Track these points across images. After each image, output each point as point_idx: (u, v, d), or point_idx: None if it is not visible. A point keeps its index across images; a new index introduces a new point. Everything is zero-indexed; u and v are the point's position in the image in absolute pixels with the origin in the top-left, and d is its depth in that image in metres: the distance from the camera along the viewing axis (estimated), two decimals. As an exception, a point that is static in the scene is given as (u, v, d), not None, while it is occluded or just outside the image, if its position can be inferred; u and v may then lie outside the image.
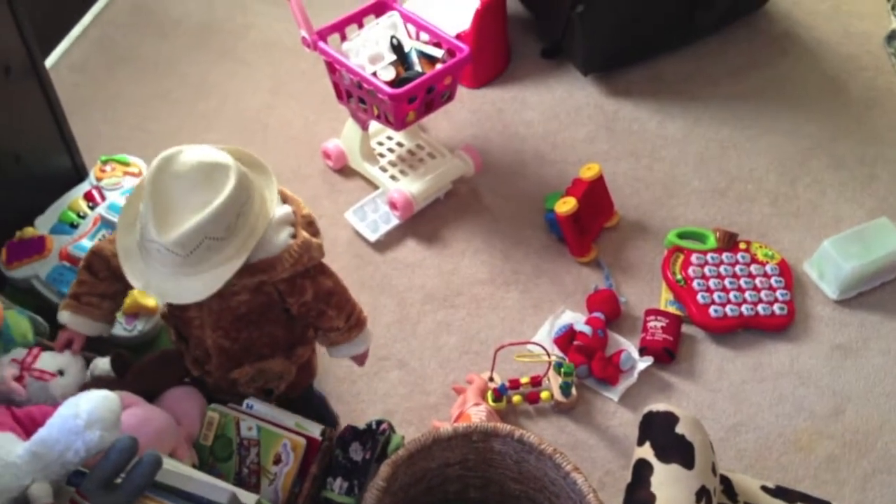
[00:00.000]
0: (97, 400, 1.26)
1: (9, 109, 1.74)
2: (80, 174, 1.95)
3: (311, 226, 1.46)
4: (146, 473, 1.25)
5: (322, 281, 1.46)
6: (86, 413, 1.23)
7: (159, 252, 1.30)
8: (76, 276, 1.51)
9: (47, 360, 1.50)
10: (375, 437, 1.56)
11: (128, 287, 1.50)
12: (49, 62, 2.41)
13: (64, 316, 1.51)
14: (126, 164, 1.93)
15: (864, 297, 1.99)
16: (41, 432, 1.24)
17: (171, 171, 1.29)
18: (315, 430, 1.52)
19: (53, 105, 1.84)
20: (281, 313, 1.50)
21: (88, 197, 1.87)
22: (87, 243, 1.76)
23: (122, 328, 1.70)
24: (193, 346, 1.53)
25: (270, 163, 2.27)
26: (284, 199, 1.46)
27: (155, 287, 1.35)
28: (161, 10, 2.66)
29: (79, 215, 1.84)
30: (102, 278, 1.49)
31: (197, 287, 1.33)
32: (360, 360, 1.62)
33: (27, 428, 1.32)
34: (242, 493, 1.35)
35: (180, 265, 1.31)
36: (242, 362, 1.52)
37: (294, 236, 1.40)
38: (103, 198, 1.86)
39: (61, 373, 1.48)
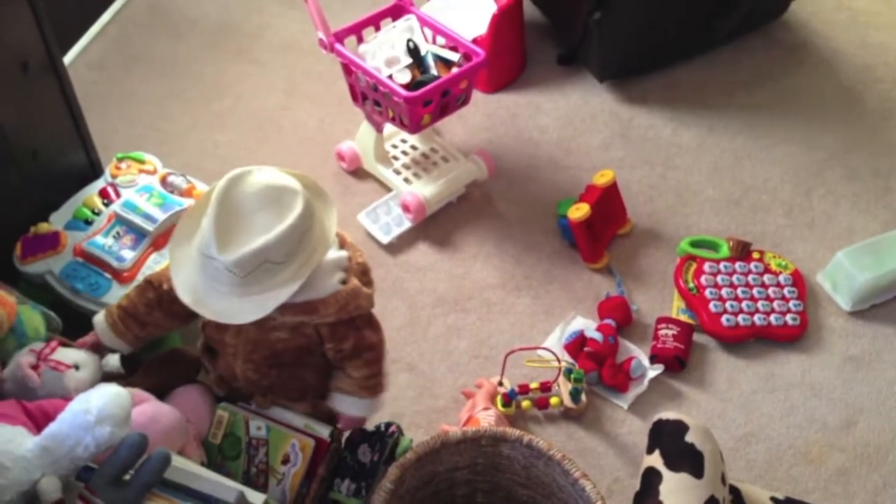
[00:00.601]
0: (108, 396, 1.26)
1: (27, 105, 1.75)
2: (95, 171, 1.96)
3: (364, 275, 1.44)
4: (155, 470, 1.25)
5: (367, 335, 1.44)
6: (96, 409, 1.24)
7: (216, 270, 1.28)
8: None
9: (64, 354, 1.50)
10: (384, 439, 1.56)
11: (170, 323, 1.51)
12: (67, 59, 2.43)
13: (97, 317, 1.53)
14: (141, 161, 1.94)
15: (877, 309, 1.98)
16: (52, 427, 1.25)
17: (240, 191, 1.28)
18: (324, 431, 1.52)
19: (71, 102, 1.85)
20: (318, 359, 1.48)
21: (103, 194, 1.87)
22: (101, 240, 1.77)
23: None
24: (222, 367, 1.52)
25: (284, 163, 2.28)
26: (342, 244, 1.44)
27: (206, 305, 1.33)
28: (178, 10, 2.67)
29: (93, 212, 1.84)
30: (146, 302, 1.49)
31: (249, 308, 1.31)
32: (348, 423, 1.54)
33: (38, 422, 1.32)
34: (250, 493, 1.35)
35: (236, 285, 1.29)
36: (266, 395, 1.52)
37: (345, 282, 1.38)
38: (118, 195, 1.87)
39: (77, 367, 1.49)
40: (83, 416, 1.24)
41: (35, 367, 1.45)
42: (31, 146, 1.78)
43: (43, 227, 1.79)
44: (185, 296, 1.34)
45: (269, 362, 1.46)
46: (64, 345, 1.55)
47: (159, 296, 1.47)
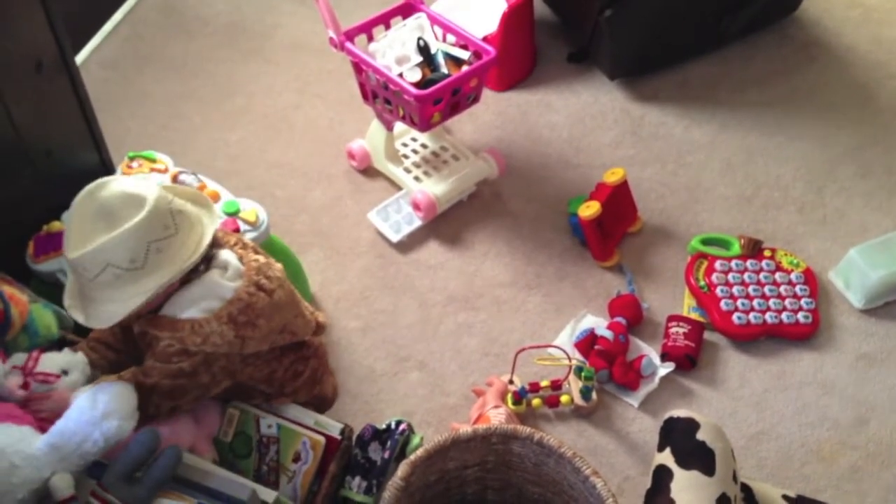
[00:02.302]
0: (113, 390, 1.28)
1: (40, 104, 1.76)
2: (107, 170, 1.97)
3: (243, 313, 1.39)
4: (167, 467, 1.26)
5: (159, 373, 1.39)
6: (102, 403, 1.25)
7: (74, 271, 1.34)
8: None
9: (48, 362, 1.45)
10: (394, 437, 1.56)
11: (133, 348, 1.51)
12: (80, 58, 2.44)
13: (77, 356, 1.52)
14: (153, 160, 1.94)
15: (890, 307, 1.97)
16: (59, 424, 1.26)
17: (95, 196, 1.33)
18: (334, 429, 1.52)
19: (83, 101, 1.86)
20: (233, 358, 1.45)
21: (115, 193, 1.88)
22: (113, 238, 1.78)
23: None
24: None
25: (295, 162, 2.29)
26: (259, 288, 1.41)
27: (75, 309, 1.38)
28: (190, 9, 2.68)
29: (105, 211, 1.85)
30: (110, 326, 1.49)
31: (104, 312, 1.33)
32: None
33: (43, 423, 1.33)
34: (261, 490, 1.36)
35: (95, 290, 1.33)
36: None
37: (207, 312, 1.37)
38: (130, 194, 1.88)
39: (65, 372, 1.44)
40: (89, 412, 1.25)
41: (25, 386, 1.41)
42: (44, 145, 1.79)
43: (55, 225, 1.80)
44: (66, 299, 1.39)
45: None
46: (69, 343, 1.55)
47: None
